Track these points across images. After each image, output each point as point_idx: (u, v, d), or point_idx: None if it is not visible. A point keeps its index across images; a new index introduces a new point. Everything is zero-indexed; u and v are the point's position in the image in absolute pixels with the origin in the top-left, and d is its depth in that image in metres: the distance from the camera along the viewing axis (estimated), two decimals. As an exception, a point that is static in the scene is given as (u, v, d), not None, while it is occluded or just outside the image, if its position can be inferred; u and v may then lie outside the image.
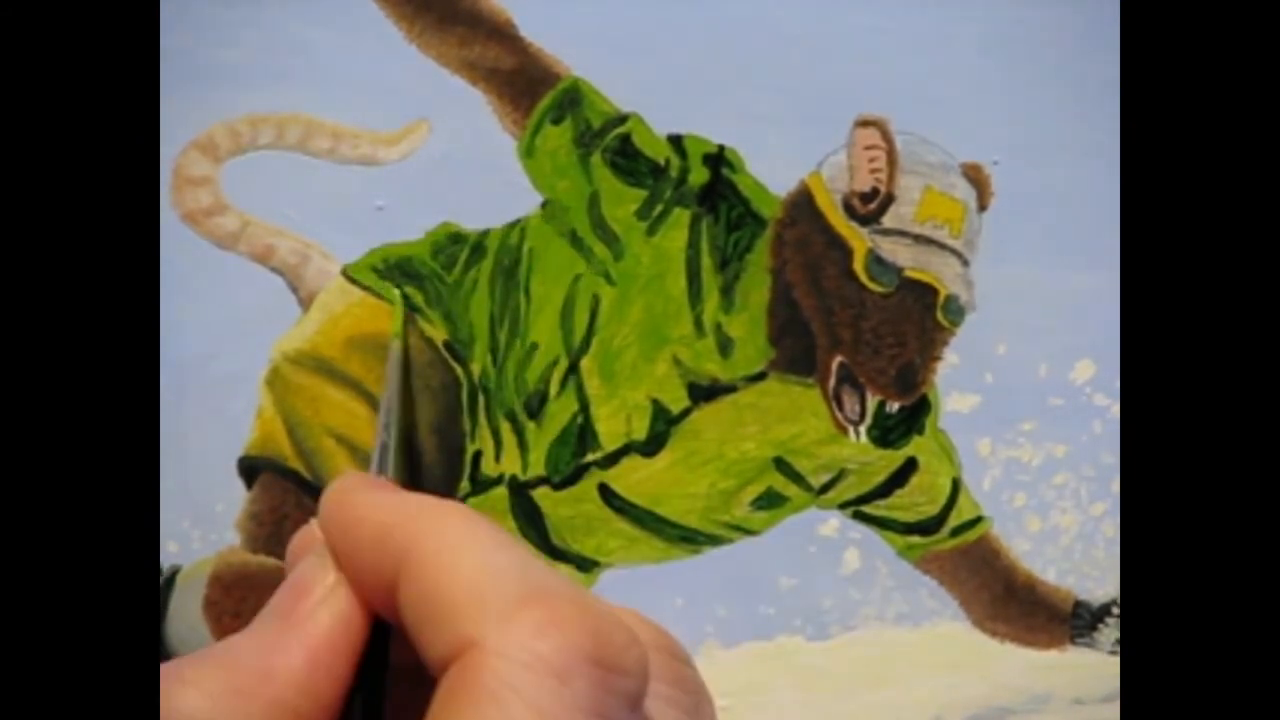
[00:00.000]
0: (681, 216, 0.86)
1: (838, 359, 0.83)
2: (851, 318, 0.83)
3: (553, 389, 0.87)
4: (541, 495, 0.87)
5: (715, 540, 0.90)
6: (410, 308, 0.88)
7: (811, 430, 0.87)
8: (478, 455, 0.88)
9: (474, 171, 0.87)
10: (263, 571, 0.84)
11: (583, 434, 0.87)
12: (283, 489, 0.86)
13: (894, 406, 0.85)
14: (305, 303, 0.93)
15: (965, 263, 0.85)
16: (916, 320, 0.83)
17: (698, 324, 0.86)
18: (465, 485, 0.88)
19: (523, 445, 0.87)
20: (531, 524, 0.88)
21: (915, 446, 0.89)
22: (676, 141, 0.87)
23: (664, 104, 0.87)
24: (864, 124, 0.84)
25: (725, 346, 0.86)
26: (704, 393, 0.86)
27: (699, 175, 0.86)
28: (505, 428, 0.87)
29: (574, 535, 0.88)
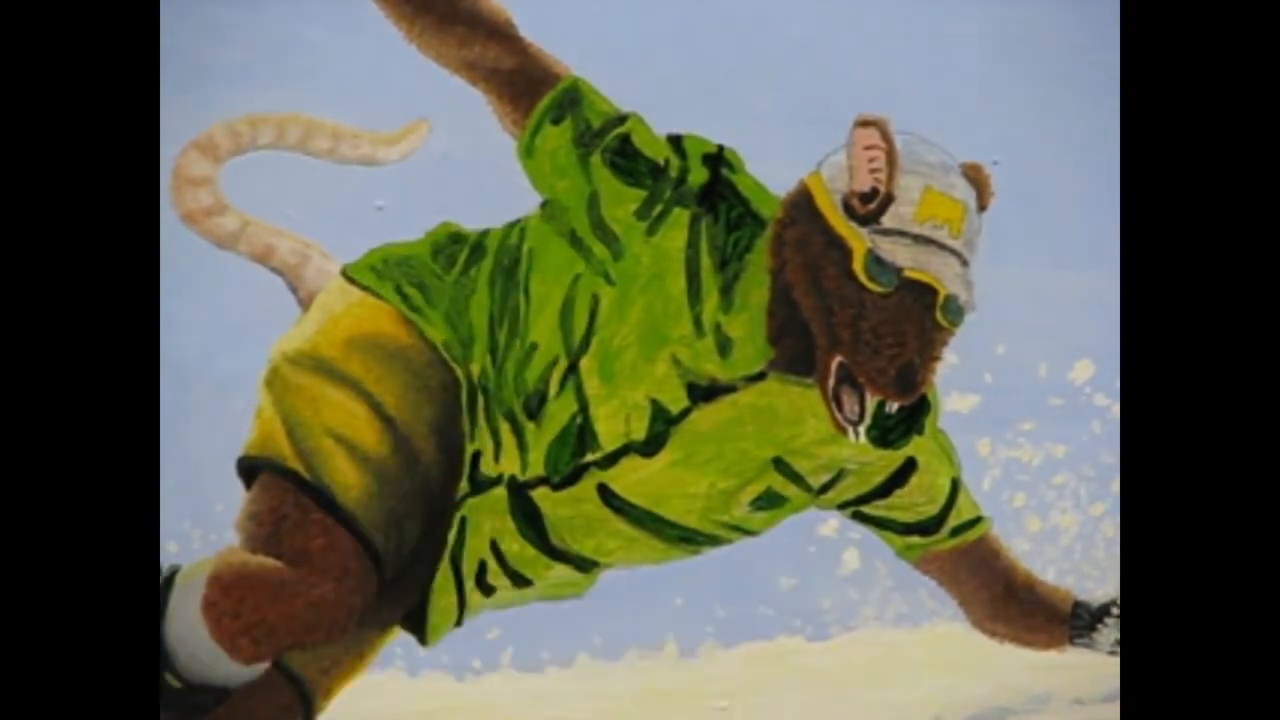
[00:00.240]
0: (681, 216, 0.86)
1: (837, 359, 0.83)
2: (851, 318, 0.83)
3: (552, 389, 0.86)
4: (541, 495, 0.87)
5: (715, 540, 0.90)
6: (410, 307, 0.88)
7: (811, 430, 0.87)
8: (477, 455, 0.88)
9: (474, 171, 0.87)
10: (262, 572, 0.84)
11: (582, 434, 0.86)
12: (282, 489, 0.86)
13: (893, 407, 0.85)
14: (305, 303, 0.93)
15: (965, 263, 0.85)
16: (916, 320, 0.83)
17: (697, 324, 0.86)
18: (464, 485, 0.88)
19: (522, 445, 0.87)
20: (531, 524, 0.88)
21: (915, 446, 0.89)
22: (676, 141, 0.87)
23: (664, 104, 0.87)
24: (864, 124, 0.83)
25: (725, 346, 0.86)
26: (703, 393, 0.86)
27: (699, 175, 0.86)
28: (505, 428, 0.87)
29: (573, 535, 0.88)
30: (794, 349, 0.86)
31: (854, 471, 0.89)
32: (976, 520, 0.91)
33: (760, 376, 0.86)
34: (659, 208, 0.87)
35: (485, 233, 0.89)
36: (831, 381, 0.84)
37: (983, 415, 0.89)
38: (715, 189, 0.87)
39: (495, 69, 0.87)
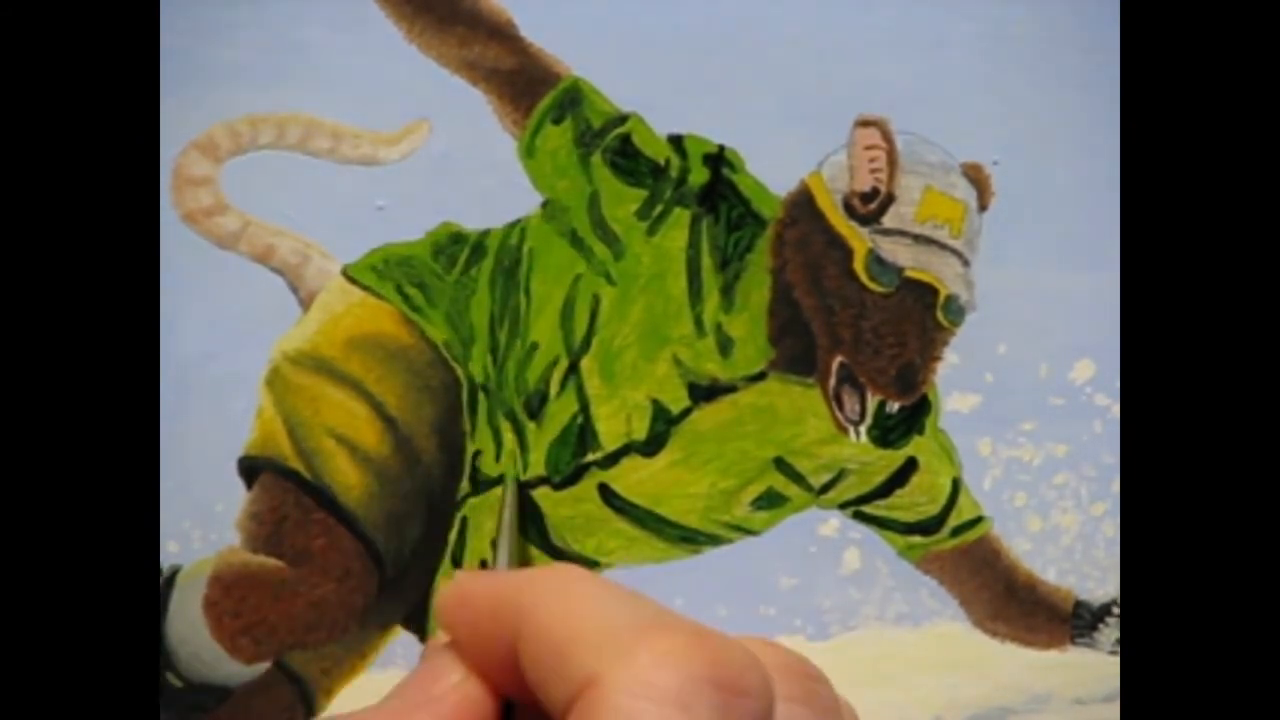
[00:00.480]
0: (682, 216, 0.86)
1: (838, 359, 0.83)
2: (852, 318, 0.83)
3: (553, 389, 0.87)
4: (542, 495, 0.87)
5: (715, 540, 0.90)
6: (411, 307, 0.88)
7: (812, 430, 0.87)
8: (477, 455, 0.88)
9: (474, 171, 0.87)
10: (263, 571, 0.84)
11: (583, 434, 0.87)
12: (283, 489, 0.86)
13: (894, 406, 0.85)
14: (305, 303, 0.93)
15: (965, 263, 0.85)
16: (917, 320, 0.83)
17: (698, 324, 0.86)
18: (465, 485, 0.88)
19: (523, 445, 0.87)
20: (531, 524, 0.88)
21: (915, 446, 0.89)
22: (676, 141, 0.87)
23: (664, 104, 0.87)
24: (864, 124, 0.84)
25: (725, 346, 0.86)
26: (704, 393, 0.86)
27: (699, 175, 0.87)
28: (505, 428, 0.87)
29: (574, 535, 0.88)
30: (795, 349, 0.86)
31: (855, 471, 0.89)
32: (977, 520, 0.91)
33: (761, 376, 0.86)
34: (660, 208, 0.87)
35: (486, 233, 0.89)
36: (832, 381, 0.84)
37: (983, 415, 0.89)
38: (716, 189, 0.87)
39: (495, 69, 0.87)
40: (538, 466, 0.87)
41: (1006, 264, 0.88)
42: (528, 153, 0.88)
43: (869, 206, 0.83)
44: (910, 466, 0.89)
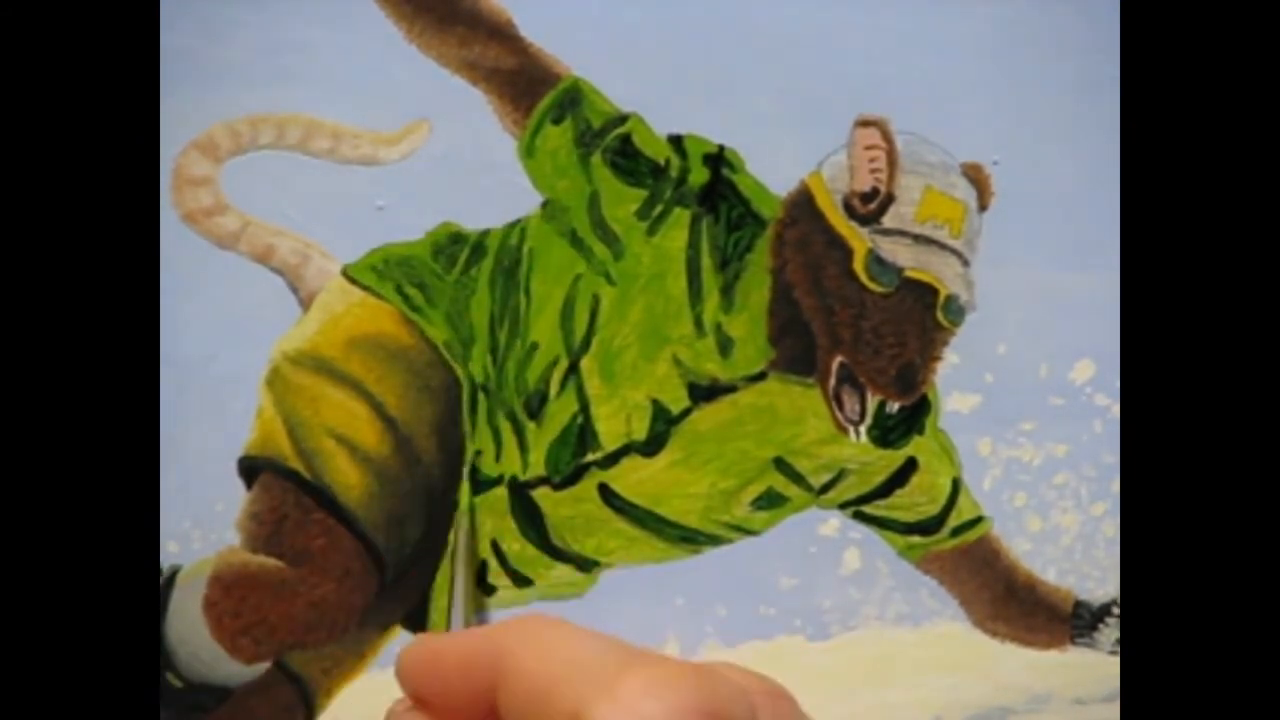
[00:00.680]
0: (681, 216, 0.86)
1: (838, 359, 0.83)
2: (852, 318, 0.83)
3: (553, 389, 0.87)
4: (541, 495, 0.87)
5: (715, 540, 0.90)
6: (411, 307, 0.88)
7: (812, 430, 0.87)
8: (478, 455, 0.88)
9: (474, 171, 0.87)
10: (263, 571, 0.84)
11: (583, 434, 0.87)
12: (283, 489, 0.86)
13: (894, 406, 0.85)
14: (305, 303, 0.93)
15: (965, 263, 0.85)
16: (917, 320, 0.83)
17: (698, 324, 0.86)
18: (465, 485, 0.88)
19: (523, 445, 0.87)
20: (531, 524, 0.88)
21: (915, 446, 0.89)
22: (676, 141, 0.87)
23: (664, 104, 0.87)
24: (864, 124, 0.84)
25: (725, 346, 0.86)
26: (704, 393, 0.86)
27: (699, 175, 0.87)
28: (505, 428, 0.87)
29: (574, 535, 0.88)
30: (795, 349, 0.86)
31: (855, 471, 0.89)
32: (977, 520, 0.91)
33: (761, 376, 0.86)
34: (660, 208, 0.87)
35: (486, 233, 0.89)
36: (832, 381, 0.84)
37: (983, 415, 0.89)
38: (716, 189, 0.87)
39: (496, 69, 0.87)
40: (538, 466, 0.87)
41: (1006, 264, 0.88)
42: (528, 153, 0.88)
43: (869, 206, 0.83)
44: (910, 466, 0.89)
